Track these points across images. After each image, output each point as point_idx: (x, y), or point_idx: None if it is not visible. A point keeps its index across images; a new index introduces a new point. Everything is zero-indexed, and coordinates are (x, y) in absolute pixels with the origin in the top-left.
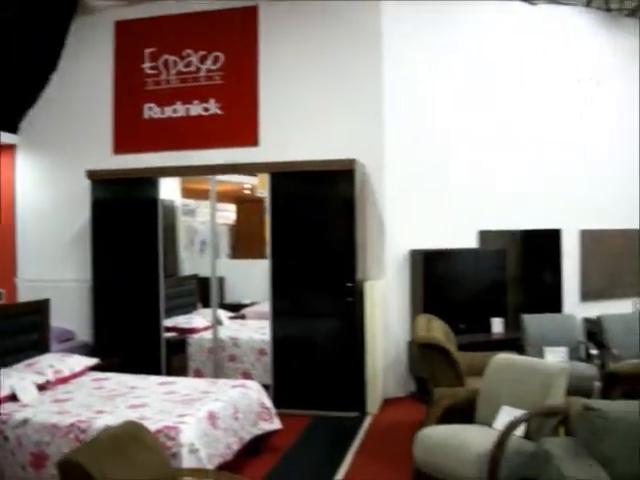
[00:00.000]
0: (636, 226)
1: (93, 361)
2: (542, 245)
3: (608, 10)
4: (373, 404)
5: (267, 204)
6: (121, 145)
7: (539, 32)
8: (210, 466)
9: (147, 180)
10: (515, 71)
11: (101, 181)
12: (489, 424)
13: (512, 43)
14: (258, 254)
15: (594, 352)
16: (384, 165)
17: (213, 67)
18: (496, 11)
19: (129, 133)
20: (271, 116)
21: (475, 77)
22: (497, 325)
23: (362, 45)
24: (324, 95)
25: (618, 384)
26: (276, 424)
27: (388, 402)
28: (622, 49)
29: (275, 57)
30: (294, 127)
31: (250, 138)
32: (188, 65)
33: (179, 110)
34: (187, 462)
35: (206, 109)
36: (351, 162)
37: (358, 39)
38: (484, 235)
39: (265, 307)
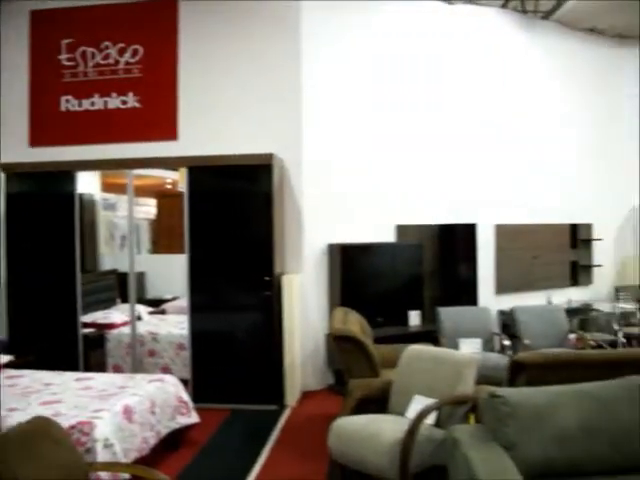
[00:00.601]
0: (549, 221)
1: (6, 358)
2: (458, 239)
3: (524, 12)
4: (292, 397)
5: (185, 198)
6: (37, 138)
7: (458, 32)
8: (126, 460)
9: (64, 174)
10: (433, 70)
11: (16, 174)
12: (402, 414)
13: (430, 43)
14: (178, 249)
15: (507, 343)
16: (302, 160)
17: (132, 60)
18: (415, 11)
19: (46, 125)
20: (190, 110)
21: (393, 75)
22: (414, 318)
23: (282, 41)
24: (243, 90)
25: (523, 372)
26: (194, 418)
27: (307, 395)
28: (538, 50)
29: (195, 51)
30: (213, 122)
31: (169, 132)
32: (106, 57)
33: (97, 103)
34: (102, 457)
35: (124, 102)
36: (269, 156)
37: (278, 35)
38: (401, 229)
39: (185, 302)
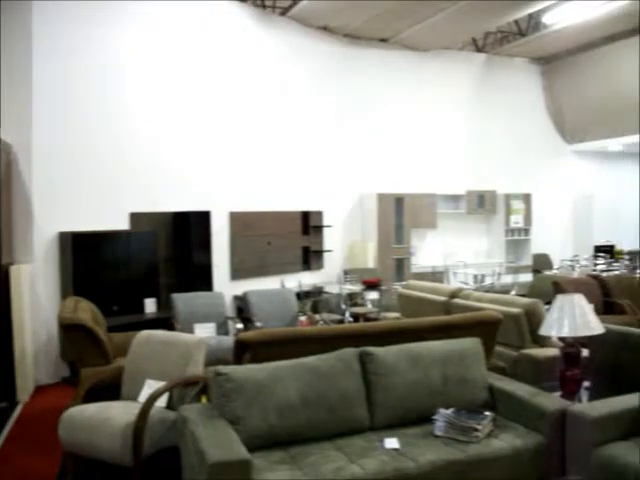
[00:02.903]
0: (282, 208)
1: None
2: (193, 226)
3: (263, 7)
4: (24, 392)
5: None
6: None
7: (197, 24)
8: None
9: None
10: (174, 60)
11: None
12: (135, 399)
13: (169, 34)
14: None
15: (240, 326)
16: (32, 147)
17: None
18: (154, 4)
19: None
20: None
21: (131, 68)
22: (150, 305)
23: (12, 30)
24: None
25: (247, 350)
26: None
27: (41, 389)
28: (277, 45)
29: None
30: None
31: None
32: None
33: None
34: None
35: None
36: None
37: (9, 21)
38: (135, 217)
39: None
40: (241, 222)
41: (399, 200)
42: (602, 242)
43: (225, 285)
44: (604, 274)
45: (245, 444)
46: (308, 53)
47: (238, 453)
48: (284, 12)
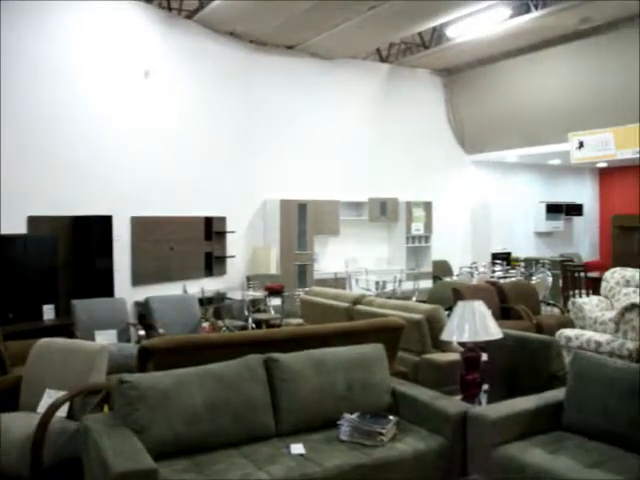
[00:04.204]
0: (185, 214)
1: None
2: (94, 231)
3: (169, 9)
4: None
5: None
6: None
7: (98, 25)
8: None
9: None
10: (80, 62)
11: None
12: (34, 409)
13: (75, 34)
14: None
15: (142, 333)
16: None
17: None
18: (62, 6)
19: None
20: None
21: (31, 69)
22: (48, 312)
23: None
24: None
25: (151, 358)
26: None
27: None
28: (181, 48)
29: None
30: None
31: None
32: None
33: None
34: None
35: None
36: None
37: None
38: (33, 221)
39: None
40: (143, 227)
41: (302, 206)
42: (499, 250)
43: (127, 291)
44: (501, 281)
45: (150, 453)
46: (213, 58)
47: (144, 462)
48: (190, 15)
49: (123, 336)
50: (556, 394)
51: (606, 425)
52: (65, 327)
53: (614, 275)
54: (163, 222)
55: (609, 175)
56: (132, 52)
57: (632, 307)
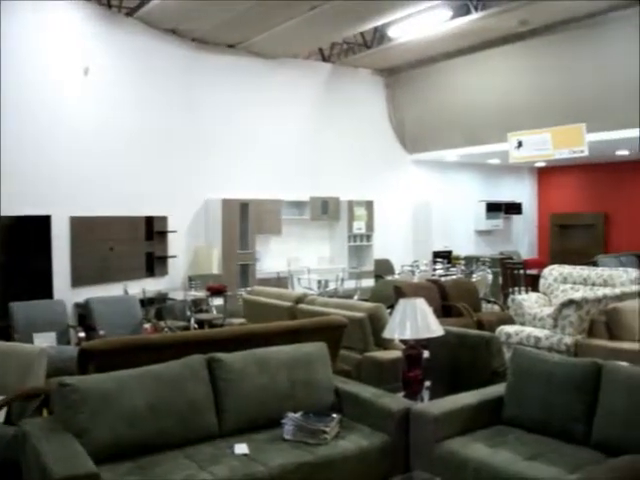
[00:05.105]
0: (125, 213)
1: None
2: (31, 231)
3: (109, 6)
4: None
5: None
6: None
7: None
8: None
9: None
10: (18, 58)
11: None
12: None
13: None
14: None
15: (82, 335)
16: None
17: None
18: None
19: None
20: None
21: None
22: None
23: None
24: None
25: (92, 360)
26: None
27: None
28: (121, 46)
29: None
30: None
31: None
32: None
33: None
34: None
35: None
36: None
37: None
38: None
39: None
40: (82, 227)
41: (244, 206)
42: (440, 248)
43: (66, 292)
44: (442, 279)
45: (92, 457)
46: (154, 56)
47: (85, 467)
48: (131, 13)
49: (63, 338)
50: (497, 389)
51: (544, 418)
52: (2, 330)
53: (552, 272)
54: (103, 222)
55: (547, 174)
56: (71, 50)
57: (569, 303)
